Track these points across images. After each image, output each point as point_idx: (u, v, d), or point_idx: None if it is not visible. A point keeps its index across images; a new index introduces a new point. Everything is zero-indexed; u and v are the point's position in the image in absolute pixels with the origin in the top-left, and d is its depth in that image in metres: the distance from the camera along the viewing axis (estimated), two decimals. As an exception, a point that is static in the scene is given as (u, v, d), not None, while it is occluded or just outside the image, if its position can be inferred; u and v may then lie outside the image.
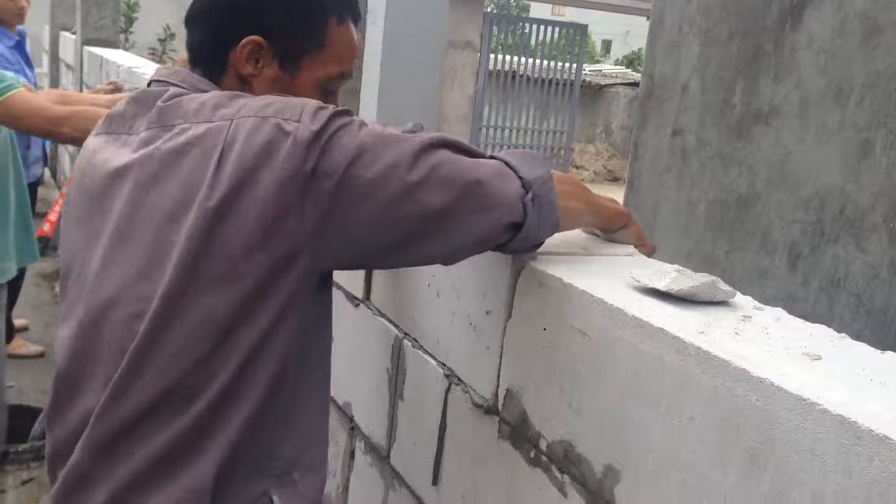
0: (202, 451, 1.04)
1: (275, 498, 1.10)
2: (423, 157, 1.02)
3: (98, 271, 1.11)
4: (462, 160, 1.06)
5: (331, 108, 1.04)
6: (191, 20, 1.21)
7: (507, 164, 1.09)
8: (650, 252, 1.34)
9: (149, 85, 1.20)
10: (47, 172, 8.03)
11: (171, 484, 1.03)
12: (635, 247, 1.34)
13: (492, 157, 1.11)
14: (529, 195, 1.07)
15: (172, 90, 1.14)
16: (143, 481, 1.04)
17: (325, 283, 1.13)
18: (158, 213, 1.05)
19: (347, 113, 1.04)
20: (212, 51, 1.18)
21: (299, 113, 1.01)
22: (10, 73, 2.97)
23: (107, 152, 1.16)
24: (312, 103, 1.04)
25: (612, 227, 1.31)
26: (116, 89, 4.00)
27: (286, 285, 1.02)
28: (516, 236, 1.09)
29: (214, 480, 1.03)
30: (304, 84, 1.19)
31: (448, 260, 1.12)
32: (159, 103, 1.11)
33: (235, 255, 1.00)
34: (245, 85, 1.18)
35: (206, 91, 1.14)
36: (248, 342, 1.02)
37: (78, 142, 2.95)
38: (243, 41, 1.15)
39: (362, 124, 1.03)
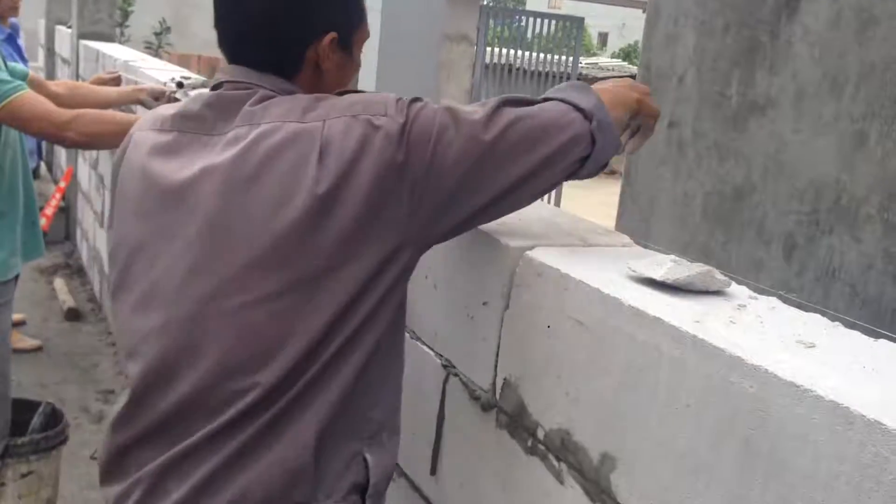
0: (307, 413, 1.13)
1: (368, 457, 1.20)
2: (495, 120, 1.14)
3: (191, 265, 1.15)
4: (527, 111, 1.17)
5: (405, 98, 1.15)
6: (250, 32, 1.24)
7: (564, 101, 1.20)
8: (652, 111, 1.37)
9: (217, 87, 1.24)
10: (43, 167, 8.03)
11: (277, 444, 1.12)
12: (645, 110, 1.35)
13: (546, 100, 1.21)
14: (594, 123, 1.19)
15: (261, 92, 1.20)
16: (252, 445, 1.13)
17: (419, 254, 1.21)
18: (260, 207, 1.11)
19: (419, 100, 1.15)
20: (288, 56, 1.24)
21: (384, 108, 1.13)
22: (19, 67, 2.96)
23: (182, 150, 1.20)
24: (391, 97, 1.15)
25: (640, 114, 1.33)
26: (117, 79, 3.99)
27: (393, 264, 1.13)
28: (586, 163, 1.21)
29: (317, 438, 1.13)
30: (355, 58, 1.31)
31: (531, 202, 1.26)
32: (248, 107, 1.18)
33: (346, 239, 1.09)
34: (320, 75, 1.26)
35: (289, 91, 1.22)
36: (358, 318, 1.12)
37: (82, 146, 2.95)
38: (326, 38, 1.24)
39: (436, 107, 1.15)
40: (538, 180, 1.18)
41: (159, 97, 3.24)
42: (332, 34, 1.24)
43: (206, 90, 1.26)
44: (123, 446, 1.22)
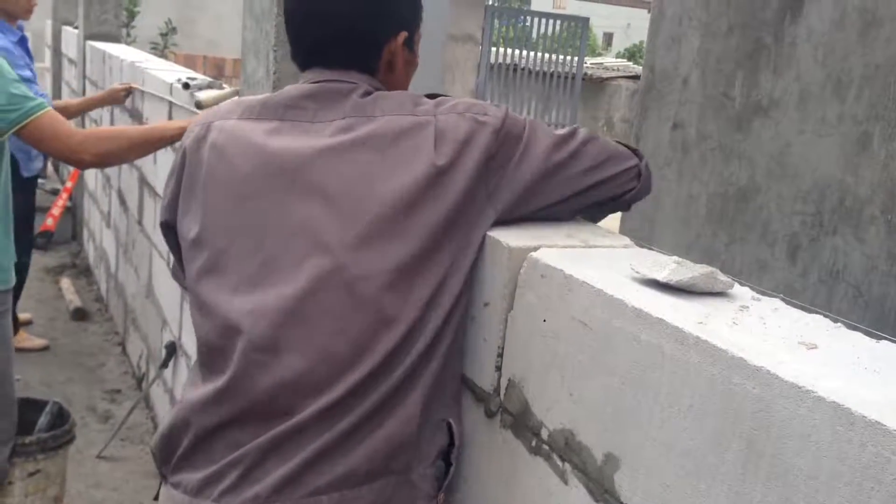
0: (416, 387, 1.21)
1: (451, 421, 1.30)
2: (572, 139, 1.33)
3: (310, 242, 1.20)
4: (597, 140, 1.36)
5: (503, 105, 1.34)
6: (333, 34, 1.33)
7: (621, 143, 1.42)
8: None
9: (311, 83, 1.32)
10: (50, 167, 8.06)
11: (389, 419, 1.19)
12: None
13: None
14: (644, 161, 1.40)
15: (365, 87, 1.31)
16: (366, 422, 1.18)
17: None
18: (381, 184, 1.20)
19: (509, 108, 1.33)
20: (367, 55, 1.35)
21: (485, 109, 1.28)
22: (37, 90, 2.96)
23: (293, 136, 1.27)
24: (484, 102, 1.32)
25: None
26: (129, 91, 4.03)
27: (477, 237, 1.26)
28: (629, 195, 1.40)
29: (422, 410, 1.22)
30: (417, 54, 1.43)
31: (577, 214, 1.44)
32: (357, 98, 1.28)
33: (451, 215, 1.21)
34: (391, 71, 1.38)
35: (378, 87, 1.33)
36: (456, 287, 1.24)
37: (96, 166, 2.97)
38: (400, 37, 1.36)
39: (525, 118, 1.33)
40: (591, 195, 1.36)
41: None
42: (404, 33, 1.36)
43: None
44: (212, 428, 1.23)
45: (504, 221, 1.31)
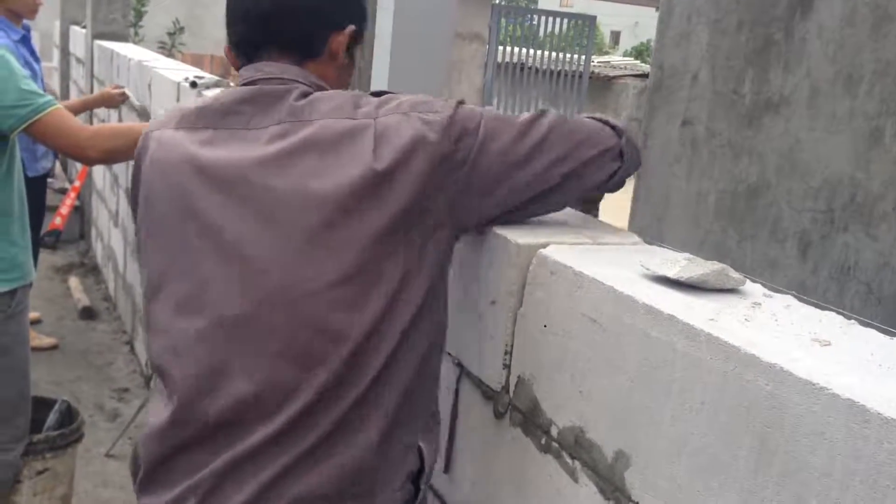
0: (372, 413, 1.15)
1: (421, 445, 1.24)
2: (536, 126, 1.21)
3: (247, 260, 1.14)
4: (566, 123, 1.24)
5: (452, 100, 1.21)
6: (281, 11, 1.26)
7: (596, 119, 1.29)
8: None
9: (247, 83, 1.25)
10: (58, 166, 8.08)
11: (343, 445, 1.14)
12: None
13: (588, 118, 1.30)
14: (624, 139, 1.27)
15: (301, 88, 1.23)
16: (319, 447, 1.13)
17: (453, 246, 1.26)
18: (317, 194, 1.13)
19: (463, 103, 1.22)
20: (316, 35, 1.29)
21: (432, 106, 1.18)
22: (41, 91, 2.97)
23: (228, 146, 1.20)
24: (435, 99, 1.21)
25: None
26: (123, 94, 4.02)
27: (436, 249, 1.18)
28: (615, 177, 1.29)
29: (381, 437, 1.16)
30: (356, 61, 1.38)
31: (566, 206, 1.36)
32: (293, 102, 1.20)
33: (399, 224, 1.13)
34: (332, 66, 1.32)
35: (318, 85, 1.27)
36: (416, 299, 1.15)
37: (101, 162, 2.96)
38: (349, 29, 1.31)
39: (479, 109, 1.22)
40: (570, 187, 1.25)
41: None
42: (353, 27, 1.31)
43: (224, 88, 1.28)
44: (170, 453, 1.19)
45: (494, 220, 1.25)
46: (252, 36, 1.28)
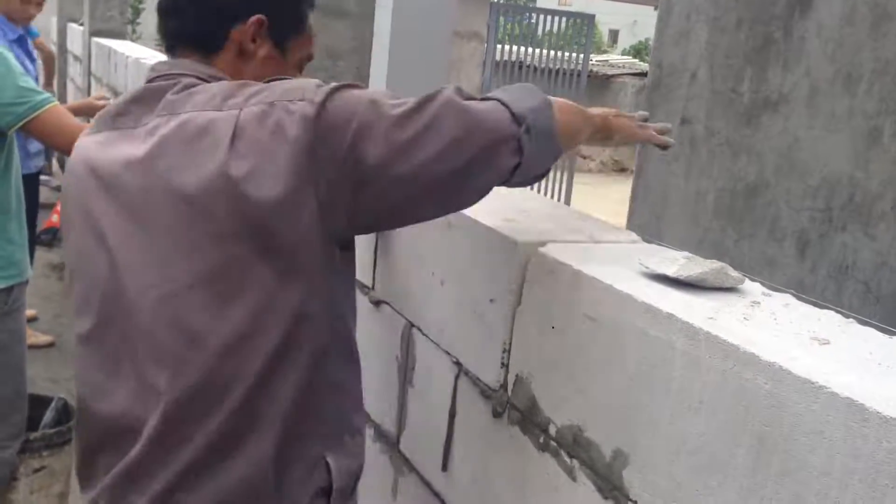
0: (259, 423, 1.08)
1: (329, 460, 1.16)
2: (420, 112, 1.05)
3: (116, 262, 1.12)
4: (456, 107, 1.07)
5: (330, 84, 1.09)
6: (176, 6, 1.24)
7: (501, 102, 1.10)
8: (646, 137, 1.42)
9: (149, 82, 1.22)
10: (55, 164, 8.06)
11: (233, 457, 1.08)
12: (640, 139, 1.42)
13: (485, 99, 1.11)
14: (523, 128, 1.08)
15: (184, 81, 1.17)
16: (207, 460, 1.08)
17: (349, 252, 1.17)
18: (174, 195, 1.08)
19: (347, 86, 1.09)
20: (212, 29, 1.23)
21: (301, 93, 1.07)
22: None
23: (115, 147, 1.18)
24: (311, 83, 1.09)
25: (612, 136, 1.35)
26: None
27: (312, 253, 1.08)
28: (516, 172, 1.11)
29: (275, 449, 1.09)
30: (290, 63, 1.28)
31: (457, 209, 1.21)
32: (169, 95, 1.15)
33: (262, 226, 1.05)
34: (244, 61, 1.24)
35: (214, 76, 1.19)
36: (284, 315, 1.07)
37: None
38: (252, 18, 1.22)
39: (362, 94, 1.08)
40: (460, 185, 1.09)
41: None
42: (259, 17, 1.22)
43: (138, 86, 1.25)
44: (86, 451, 1.19)
45: (376, 225, 1.17)
46: (164, 33, 1.26)
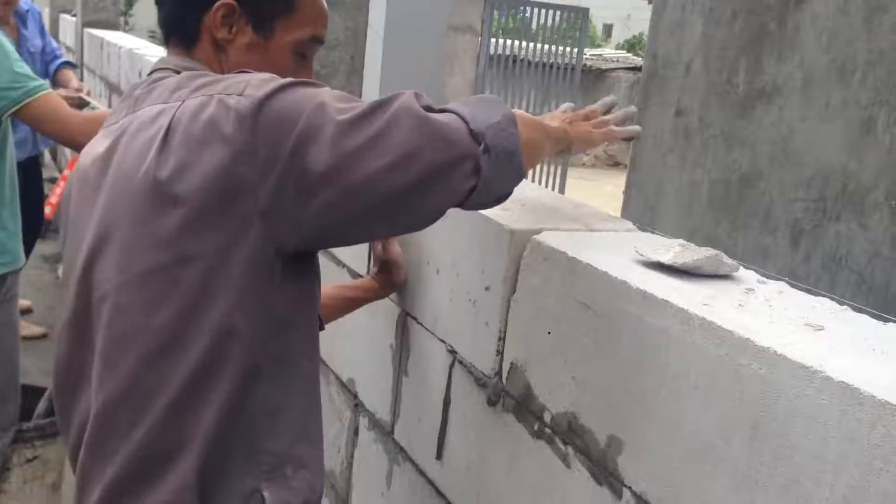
0: (181, 448, 1.00)
1: (265, 494, 1.04)
2: (372, 118, 0.96)
3: (86, 257, 1.09)
4: (410, 116, 0.96)
5: (279, 81, 0.99)
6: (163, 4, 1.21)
7: (458, 115, 1.00)
8: (604, 138, 1.35)
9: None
10: (48, 155, 8.03)
11: (159, 483, 1.01)
12: (599, 143, 1.36)
13: (443, 111, 1.01)
14: (482, 147, 0.98)
15: (155, 75, 1.14)
16: (130, 478, 1.03)
17: (298, 268, 1.06)
18: (119, 194, 1.04)
19: (296, 84, 0.99)
20: (184, 18, 1.17)
21: (243, 87, 0.98)
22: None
23: (93, 145, 1.16)
24: (260, 76, 1.01)
25: (570, 146, 1.30)
26: (80, 98, 3.96)
27: (241, 264, 0.98)
28: (473, 194, 1.00)
29: (199, 477, 1.00)
30: (278, 49, 1.17)
31: (411, 230, 1.10)
32: (137, 91, 1.11)
33: (186, 232, 0.97)
34: (221, 51, 1.16)
35: (189, 69, 1.12)
36: (209, 327, 0.99)
37: None
38: (216, 5, 1.13)
39: (313, 94, 0.98)
40: (412, 204, 0.98)
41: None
42: (225, 3, 1.12)
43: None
44: (73, 452, 1.16)
45: (313, 242, 1.05)
46: (158, 24, 1.24)
